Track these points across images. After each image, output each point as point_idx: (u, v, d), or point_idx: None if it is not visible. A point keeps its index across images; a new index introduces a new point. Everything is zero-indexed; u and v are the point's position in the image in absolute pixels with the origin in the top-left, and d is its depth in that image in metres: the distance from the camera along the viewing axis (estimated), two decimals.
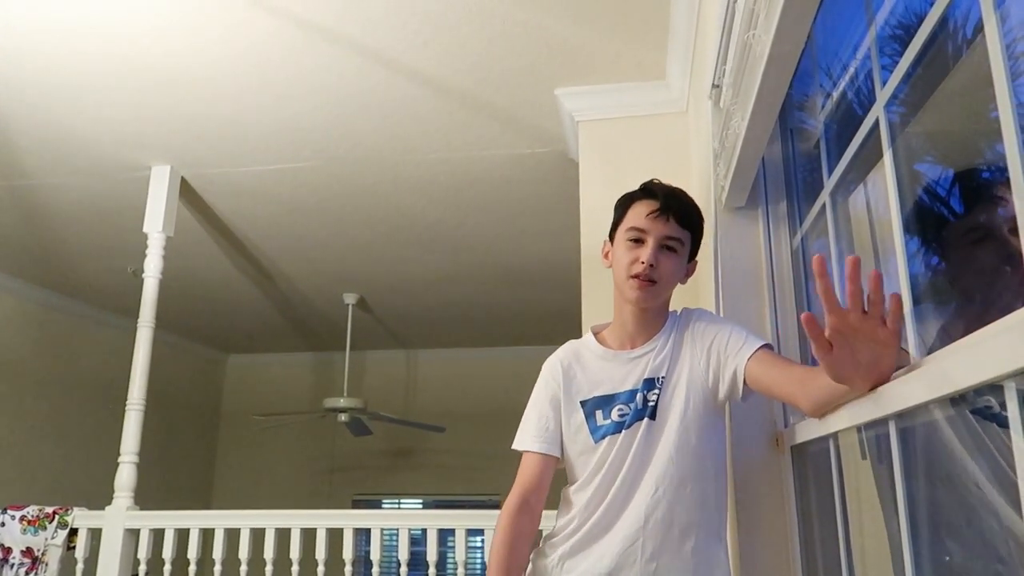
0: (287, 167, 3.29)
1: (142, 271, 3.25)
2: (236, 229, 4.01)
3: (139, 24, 2.36)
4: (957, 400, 0.88)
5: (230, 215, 3.82)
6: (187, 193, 3.47)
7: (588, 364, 1.44)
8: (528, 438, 1.43)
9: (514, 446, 1.45)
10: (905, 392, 0.82)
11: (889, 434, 0.97)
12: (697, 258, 1.46)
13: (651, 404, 1.33)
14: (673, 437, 1.32)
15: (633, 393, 1.36)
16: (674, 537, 1.28)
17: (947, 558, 0.99)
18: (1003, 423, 0.86)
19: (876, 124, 1.08)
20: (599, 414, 1.38)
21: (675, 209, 1.35)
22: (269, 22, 2.34)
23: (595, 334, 1.48)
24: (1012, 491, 0.66)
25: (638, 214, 1.37)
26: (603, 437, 1.36)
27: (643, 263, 1.33)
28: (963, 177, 1.10)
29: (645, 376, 1.37)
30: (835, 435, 1.24)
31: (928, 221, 1.12)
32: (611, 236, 1.46)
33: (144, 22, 2.35)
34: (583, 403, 1.40)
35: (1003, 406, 0.67)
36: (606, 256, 1.46)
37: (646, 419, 1.33)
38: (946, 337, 0.97)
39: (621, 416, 1.35)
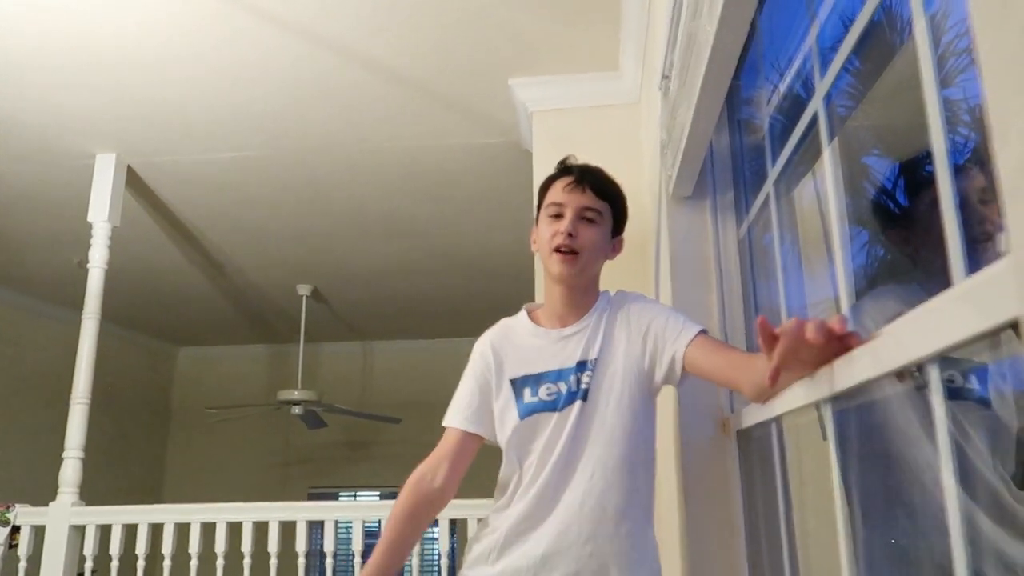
0: (239, 155, 3.24)
1: (87, 261, 3.17)
2: (186, 219, 3.93)
3: (83, 4, 2.29)
4: (902, 376, 0.91)
5: (179, 204, 3.75)
6: (134, 182, 3.39)
7: (518, 342, 1.43)
8: (451, 414, 1.43)
9: (442, 423, 1.45)
10: (846, 373, 0.84)
11: (837, 413, 1.00)
12: (623, 236, 1.46)
13: (584, 386, 1.33)
14: (608, 421, 1.32)
15: (562, 373, 1.35)
16: (609, 521, 1.29)
17: (893, 541, 1.03)
18: (959, 396, 0.88)
19: (815, 117, 1.11)
20: (527, 392, 1.37)
21: (590, 181, 1.38)
22: (219, 5, 2.29)
23: (529, 313, 1.48)
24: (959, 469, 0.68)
25: (556, 190, 1.40)
26: (529, 414, 1.35)
27: (562, 232, 1.34)
28: (907, 169, 1.13)
29: (578, 358, 1.36)
30: (779, 418, 1.27)
31: (873, 212, 1.15)
32: (536, 219, 1.46)
33: (89, 2, 2.28)
34: (512, 381, 1.39)
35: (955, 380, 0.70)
36: (533, 241, 1.46)
37: (579, 401, 1.32)
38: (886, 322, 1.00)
39: (549, 395, 1.34)
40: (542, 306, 1.48)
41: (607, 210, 1.40)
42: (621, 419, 1.32)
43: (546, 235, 1.38)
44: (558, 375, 1.36)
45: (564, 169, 1.43)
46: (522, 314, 1.49)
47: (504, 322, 1.50)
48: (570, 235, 1.34)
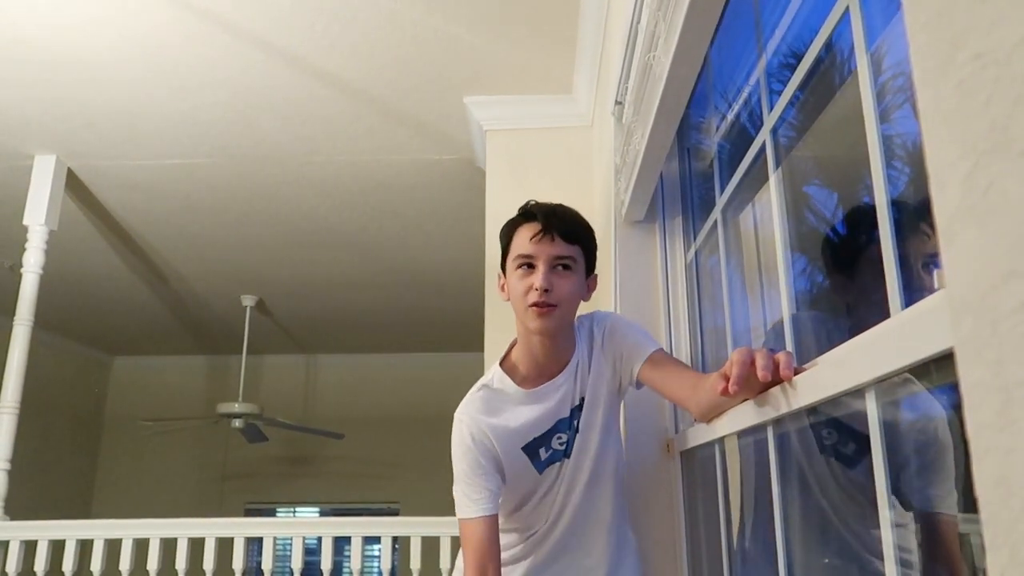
0: (185, 162, 3.17)
1: (20, 265, 3.06)
2: (127, 225, 3.83)
3: (26, 1, 2.23)
4: (815, 424, 0.95)
5: (121, 210, 3.65)
6: (74, 185, 3.29)
7: (512, 412, 1.37)
8: (473, 506, 1.31)
9: (460, 516, 1.33)
10: (788, 398, 0.87)
11: (767, 439, 1.03)
12: (596, 272, 1.43)
13: (577, 423, 1.38)
14: (596, 440, 1.38)
15: (565, 422, 1.39)
16: (603, 528, 1.39)
17: (825, 560, 1.06)
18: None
19: (763, 147, 1.15)
20: (541, 451, 1.38)
21: (558, 227, 1.30)
22: (169, 9, 2.25)
23: (507, 372, 1.40)
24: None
25: (522, 240, 1.32)
26: (547, 467, 1.39)
27: (537, 289, 1.27)
28: (847, 199, 1.17)
29: (572, 403, 1.38)
30: (721, 440, 1.30)
31: (814, 240, 1.19)
32: (503, 267, 1.39)
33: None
34: (524, 449, 1.36)
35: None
36: (502, 289, 1.39)
37: (577, 436, 1.38)
38: (825, 349, 1.03)
39: (560, 444, 1.38)
40: (511, 355, 1.41)
41: (579, 254, 1.32)
42: (607, 437, 1.39)
43: (519, 290, 1.30)
44: (564, 424, 1.39)
45: (528, 215, 1.34)
46: (500, 377, 1.39)
47: (481, 396, 1.39)
48: (546, 290, 1.27)
